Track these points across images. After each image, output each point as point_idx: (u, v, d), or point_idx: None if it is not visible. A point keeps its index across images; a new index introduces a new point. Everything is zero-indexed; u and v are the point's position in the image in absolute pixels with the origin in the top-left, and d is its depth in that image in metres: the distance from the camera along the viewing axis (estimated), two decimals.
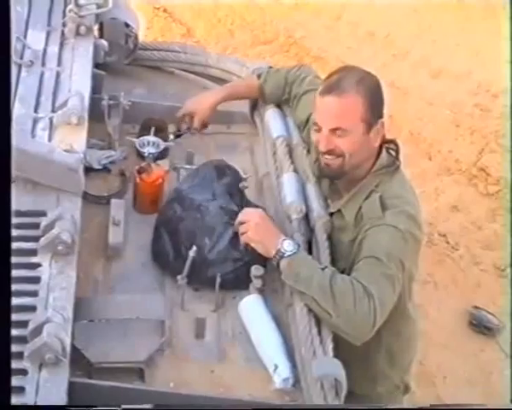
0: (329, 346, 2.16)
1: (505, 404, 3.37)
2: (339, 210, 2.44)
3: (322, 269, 2.23)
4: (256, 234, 2.35)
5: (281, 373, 2.18)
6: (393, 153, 2.45)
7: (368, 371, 2.50)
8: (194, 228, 2.45)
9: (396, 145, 2.46)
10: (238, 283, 2.41)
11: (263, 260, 2.39)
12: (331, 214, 2.47)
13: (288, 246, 2.28)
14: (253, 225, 2.35)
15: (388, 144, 2.46)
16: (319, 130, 2.36)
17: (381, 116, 2.38)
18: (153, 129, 2.75)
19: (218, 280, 2.34)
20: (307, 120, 2.67)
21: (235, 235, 2.40)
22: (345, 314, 2.16)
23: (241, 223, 2.37)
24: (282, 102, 2.89)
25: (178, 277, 2.38)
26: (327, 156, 2.37)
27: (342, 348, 2.18)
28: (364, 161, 2.39)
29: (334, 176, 2.45)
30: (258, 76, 2.91)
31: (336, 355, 2.13)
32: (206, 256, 2.41)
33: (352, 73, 2.37)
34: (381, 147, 2.43)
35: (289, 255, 2.27)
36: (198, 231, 2.44)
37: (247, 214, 2.39)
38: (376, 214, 2.31)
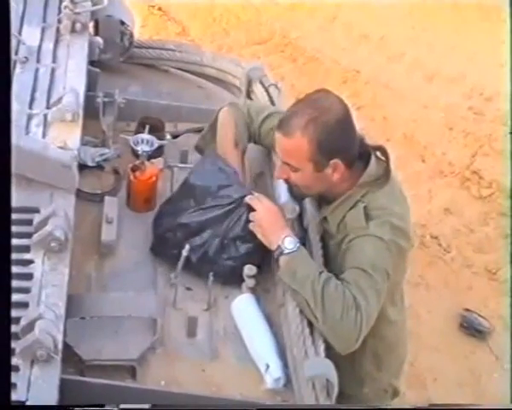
0: (321, 346, 2.17)
1: (505, 404, 3.38)
2: (325, 217, 2.45)
3: (320, 273, 2.24)
4: (261, 226, 2.37)
5: (272, 373, 2.19)
6: (383, 158, 2.44)
7: (355, 372, 2.50)
8: (208, 215, 2.46)
9: (385, 152, 2.44)
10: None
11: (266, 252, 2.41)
12: (322, 221, 2.47)
13: (288, 244, 2.29)
14: (259, 217, 2.38)
15: (377, 150, 2.44)
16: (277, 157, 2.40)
17: (335, 156, 2.32)
18: (147, 127, 2.74)
19: (211, 279, 2.35)
20: None
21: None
22: (331, 322, 2.17)
23: (252, 209, 2.41)
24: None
25: (171, 275, 2.39)
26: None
27: (329, 352, 2.19)
28: (328, 189, 2.40)
29: (300, 197, 2.48)
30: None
31: (328, 356, 2.14)
32: (222, 243, 2.43)
33: (307, 108, 2.32)
34: (369, 156, 2.41)
35: (288, 253, 2.28)
36: (213, 218, 2.45)
37: (257, 203, 2.41)
38: (360, 224, 2.31)
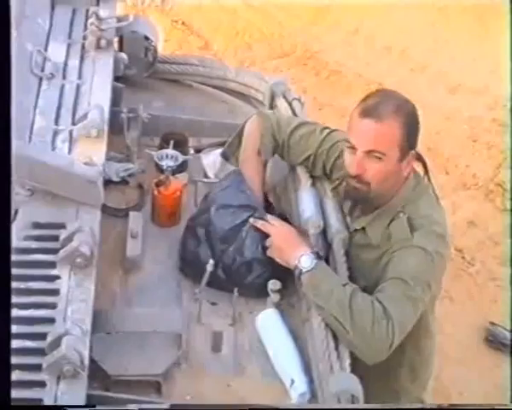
0: (346, 361, 2.16)
1: (505, 404, 3.35)
2: (363, 228, 2.44)
3: (344, 285, 2.24)
4: (277, 249, 2.39)
5: (297, 388, 2.18)
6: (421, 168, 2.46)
7: (390, 386, 2.50)
8: (228, 232, 2.47)
9: (423, 162, 2.46)
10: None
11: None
12: (355, 231, 2.46)
13: (305, 262, 2.29)
14: (273, 241, 2.40)
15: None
16: (354, 151, 2.34)
17: (414, 147, 2.36)
18: (171, 142, 2.76)
19: (236, 294, 2.35)
20: (307, 159, 2.64)
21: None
22: (361, 334, 2.16)
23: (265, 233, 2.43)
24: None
25: (196, 290, 2.40)
26: (355, 181, 2.35)
27: (365, 364, 2.18)
28: (391, 188, 2.38)
29: (359, 200, 2.43)
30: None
31: (353, 370, 2.13)
32: (243, 259, 2.44)
33: (390, 98, 2.36)
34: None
35: (307, 271, 2.28)
36: (231, 235, 2.46)
37: (269, 227, 2.43)
38: (405, 236, 2.31)
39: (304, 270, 2.29)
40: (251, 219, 2.46)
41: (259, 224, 2.45)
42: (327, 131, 2.64)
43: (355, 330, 2.16)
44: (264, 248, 2.43)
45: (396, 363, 2.31)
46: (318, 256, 2.34)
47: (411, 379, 2.57)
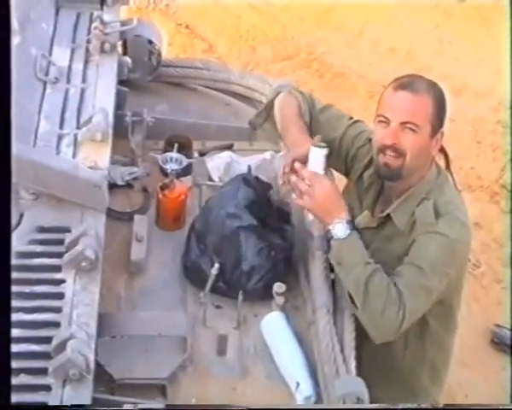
0: (352, 364, 2.16)
1: (505, 404, 3.34)
2: (388, 216, 2.42)
3: (366, 263, 2.26)
4: (316, 204, 2.36)
5: (303, 391, 2.18)
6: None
7: (410, 387, 2.51)
8: (220, 241, 2.47)
9: (445, 153, 2.48)
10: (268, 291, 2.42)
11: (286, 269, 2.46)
12: (380, 222, 2.44)
13: (338, 230, 2.32)
14: (316, 194, 2.35)
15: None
16: (387, 124, 2.33)
17: (442, 125, 2.38)
18: (176, 146, 2.76)
19: (241, 298, 2.35)
20: (333, 140, 2.61)
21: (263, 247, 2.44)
22: (371, 314, 2.21)
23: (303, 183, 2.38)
24: None
25: (201, 294, 2.40)
26: (389, 153, 2.33)
27: (384, 364, 2.19)
28: (420, 167, 2.38)
29: (392, 176, 2.39)
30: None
31: (372, 373, 2.13)
32: (241, 270, 2.43)
33: (422, 78, 2.40)
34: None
35: (337, 239, 2.31)
36: (226, 246, 2.46)
37: (316, 179, 2.38)
38: (429, 220, 2.31)
39: (335, 237, 2.32)
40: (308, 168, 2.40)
41: (306, 174, 2.38)
42: (354, 119, 2.67)
43: (365, 309, 2.20)
44: (262, 253, 2.43)
45: (418, 363, 2.30)
46: (353, 227, 2.35)
47: (432, 380, 2.56)
